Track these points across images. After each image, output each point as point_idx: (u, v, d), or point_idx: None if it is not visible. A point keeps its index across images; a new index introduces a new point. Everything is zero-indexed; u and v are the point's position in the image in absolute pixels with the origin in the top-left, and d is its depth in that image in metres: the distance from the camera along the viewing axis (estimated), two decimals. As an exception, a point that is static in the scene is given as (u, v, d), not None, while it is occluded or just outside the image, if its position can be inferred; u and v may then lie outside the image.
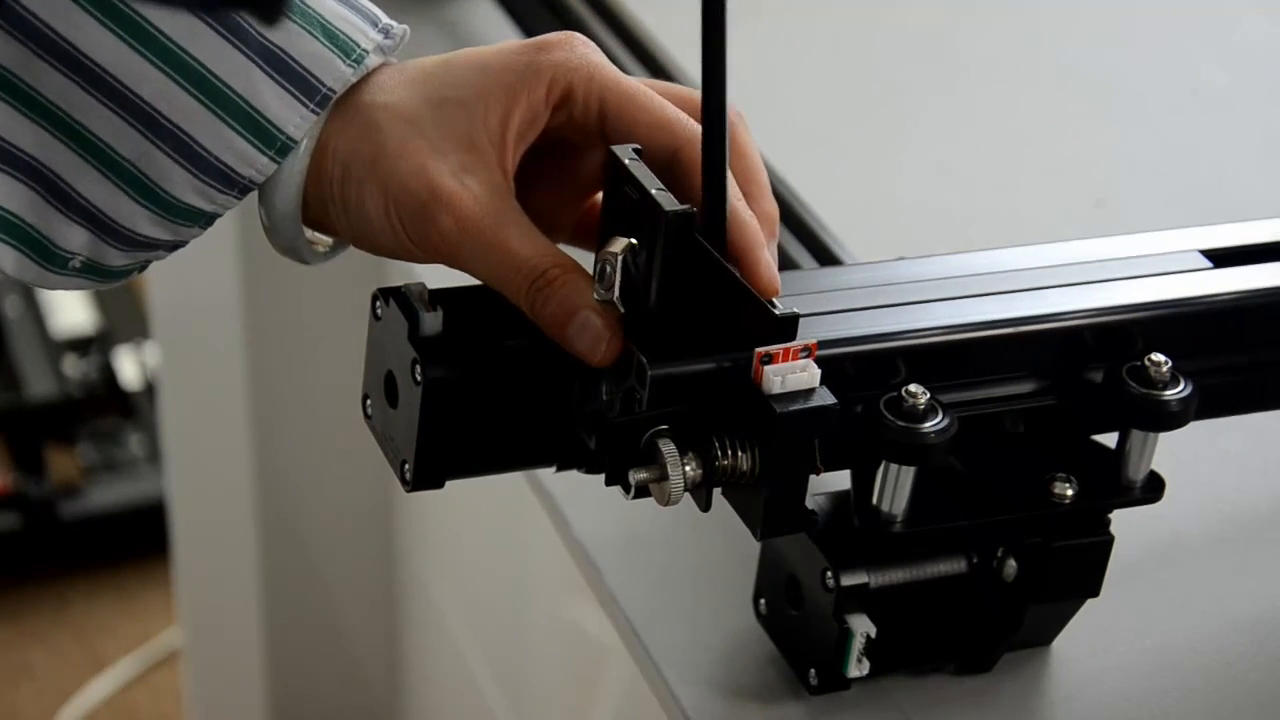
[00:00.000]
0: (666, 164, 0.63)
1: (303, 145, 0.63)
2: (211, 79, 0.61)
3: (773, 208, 0.65)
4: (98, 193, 0.62)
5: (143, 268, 0.66)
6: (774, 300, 0.61)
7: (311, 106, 0.62)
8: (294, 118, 0.62)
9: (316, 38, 0.62)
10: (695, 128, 0.64)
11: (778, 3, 1.15)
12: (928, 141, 1.04)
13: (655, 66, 0.95)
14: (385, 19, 0.64)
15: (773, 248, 0.64)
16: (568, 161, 0.67)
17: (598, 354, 0.62)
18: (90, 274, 0.64)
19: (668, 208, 0.60)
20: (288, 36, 0.62)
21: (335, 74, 0.62)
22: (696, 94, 0.67)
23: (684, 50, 0.98)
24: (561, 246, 0.64)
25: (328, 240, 0.67)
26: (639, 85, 0.64)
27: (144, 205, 0.62)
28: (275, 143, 0.62)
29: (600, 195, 0.67)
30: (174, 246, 0.65)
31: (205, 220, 0.64)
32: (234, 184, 0.63)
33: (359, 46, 0.63)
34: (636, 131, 0.63)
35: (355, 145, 0.63)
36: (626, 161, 0.62)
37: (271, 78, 0.61)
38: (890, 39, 1.13)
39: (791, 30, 1.12)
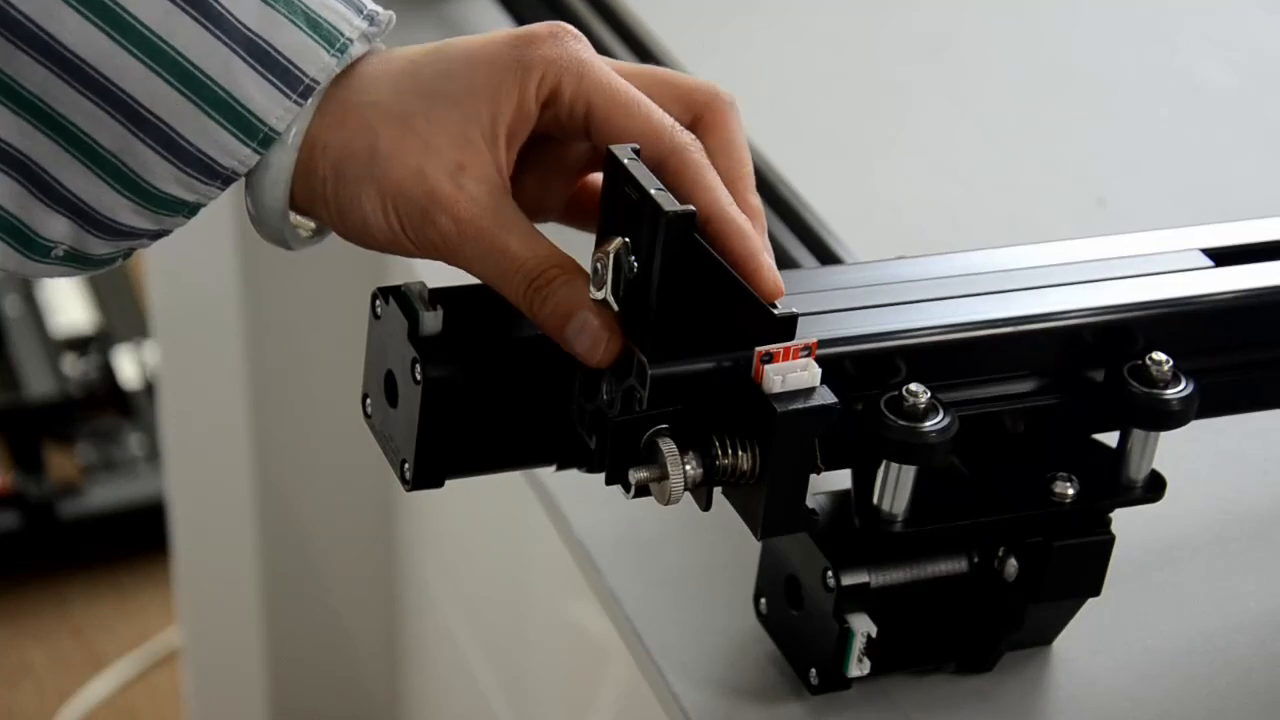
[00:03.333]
0: (653, 171, 0.63)
1: (290, 138, 0.62)
2: (191, 69, 0.60)
3: (758, 202, 0.65)
4: (79, 183, 0.62)
5: (126, 255, 0.66)
6: (774, 300, 0.61)
7: (294, 98, 0.62)
8: (276, 109, 0.62)
9: (299, 27, 0.62)
10: (683, 136, 0.63)
11: (778, 1, 1.15)
12: (928, 141, 1.04)
13: (652, 64, 0.95)
14: (371, 4, 0.64)
15: (764, 244, 0.64)
16: (556, 146, 0.67)
17: (596, 355, 0.62)
18: (73, 262, 0.64)
19: (668, 208, 0.60)
20: (270, 25, 0.61)
21: (319, 64, 0.62)
22: (688, 80, 0.66)
23: (684, 48, 0.98)
24: (555, 237, 0.64)
25: (311, 225, 0.67)
26: (627, 89, 0.64)
27: (126, 196, 0.62)
28: (258, 134, 0.62)
29: (590, 176, 0.67)
30: (157, 235, 0.65)
31: (189, 210, 0.64)
32: (216, 175, 0.62)
33: (343, 35, 0.62)
34: (622, 138, 0.63)
35: (347, 144, 0.63)
36: (625, 161, 0.62)
37: (253, 68, 0.61)
38: (890, 38, 1.13)
39: (791, 29, 1.12)
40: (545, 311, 0.62)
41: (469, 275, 0.64)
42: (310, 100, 0.62)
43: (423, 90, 0.63)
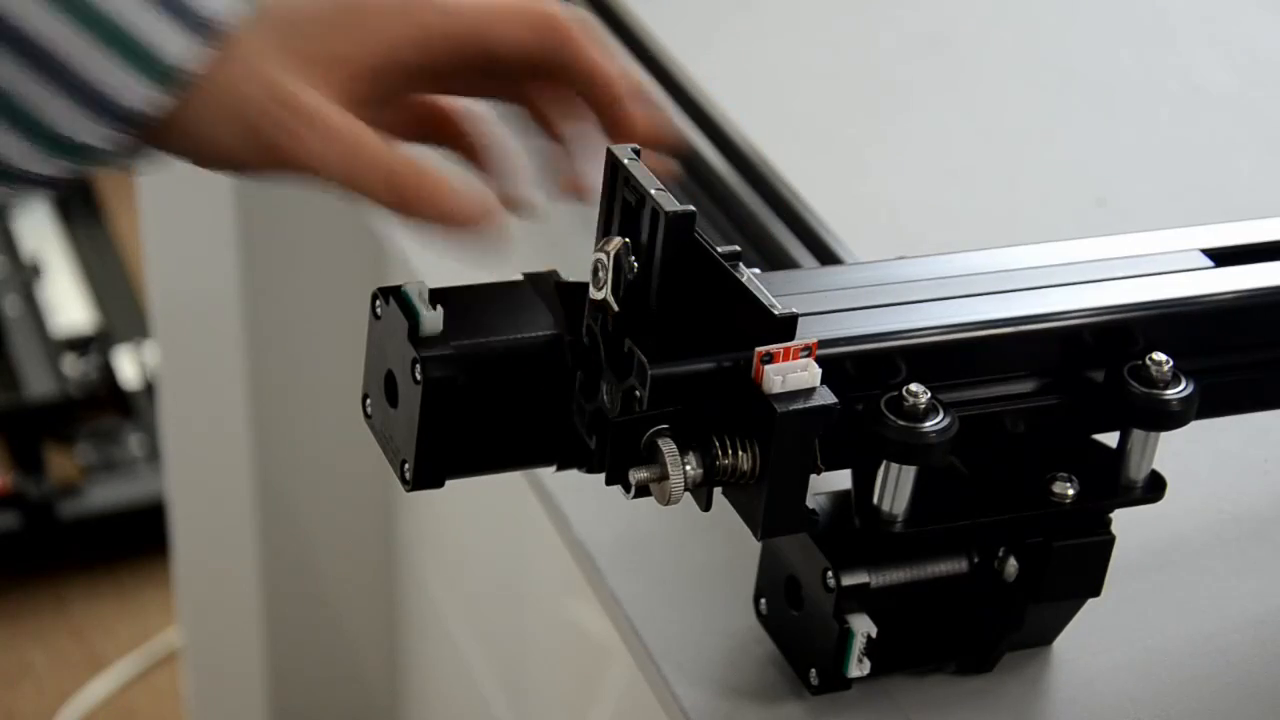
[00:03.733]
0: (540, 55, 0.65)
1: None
2: (88, 4, 0.59)
3: (655, 113, 0.67)
4: None
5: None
6: (774, 300, 0.61)
7: (194, 33, 0.61)
8: (176, 44, 0.60)
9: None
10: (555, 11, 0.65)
11: (777, 1, 1.15)
12: (928, 141, 1.04)
13: (655, 66, 0.95)
14: None
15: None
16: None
17: (486, 218, 0.63)
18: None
19: (668, 208, 0.60)
20: None
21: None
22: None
23: (684, 47, 0.98)
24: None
25: None
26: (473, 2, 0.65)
27: (27, 139, 0.61)
28: (156, 70, 0.60)
29: (429, 97, 0.69)
30: (70, 185, 0.63)
31: (99, 157, 0.62)
32: (115, 113, 0.61)
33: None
34: (510, 42, 0.65)
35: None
36: (625, 162, 0.62)
37: (151, 4, 0.60)
38: (890, 38, 1.13)
39: (790, 28, 1.12)
40: (412, 195, 0.63)
41: (467, 275, 0.64)
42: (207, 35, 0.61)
43: (290, 16, 0.63)
